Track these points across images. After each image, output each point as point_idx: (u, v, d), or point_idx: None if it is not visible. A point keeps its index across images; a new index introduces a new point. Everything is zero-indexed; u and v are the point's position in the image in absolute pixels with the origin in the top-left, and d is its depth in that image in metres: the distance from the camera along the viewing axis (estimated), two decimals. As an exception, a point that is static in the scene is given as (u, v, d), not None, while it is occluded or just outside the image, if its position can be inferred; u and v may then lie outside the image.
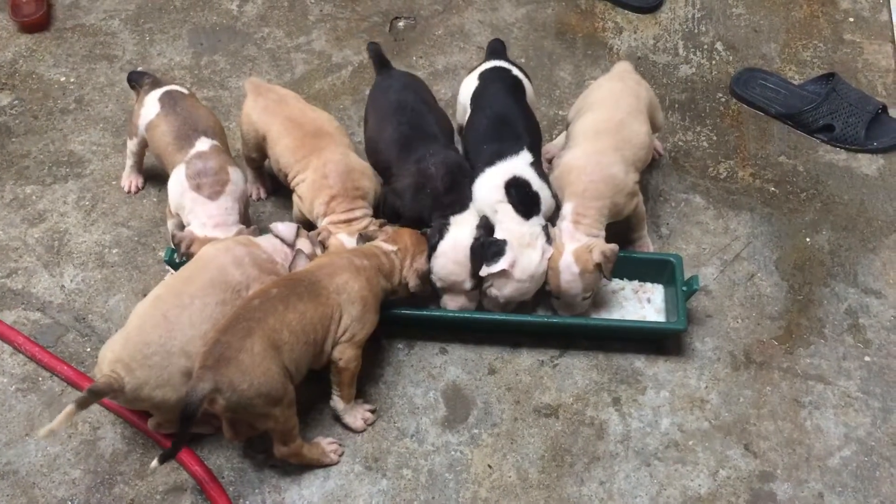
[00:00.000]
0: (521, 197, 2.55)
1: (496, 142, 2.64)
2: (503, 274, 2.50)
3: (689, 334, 2.69)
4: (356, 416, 2.46)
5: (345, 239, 2.56)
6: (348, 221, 2.60)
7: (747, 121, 3.31)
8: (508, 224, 2.53)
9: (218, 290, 2.32)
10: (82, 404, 2.13)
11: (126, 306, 2.71)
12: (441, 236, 2.55)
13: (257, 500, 2.35)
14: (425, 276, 2.54)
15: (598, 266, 2.49)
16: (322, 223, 2.62)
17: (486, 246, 2.50)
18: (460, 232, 2.56)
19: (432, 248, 2.56)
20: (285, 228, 2.54)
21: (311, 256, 2.54)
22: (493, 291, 2.56)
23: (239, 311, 2.23)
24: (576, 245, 2.52)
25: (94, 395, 2.17)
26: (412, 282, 2.50)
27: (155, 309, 2.26)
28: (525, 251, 2.51)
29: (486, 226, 2.56)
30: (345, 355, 2.35)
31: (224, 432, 2.33)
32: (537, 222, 2.55)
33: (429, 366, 2.62)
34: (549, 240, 2.56)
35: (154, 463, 2.16)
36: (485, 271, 2.50)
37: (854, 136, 3.19)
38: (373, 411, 2.49)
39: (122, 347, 2.21)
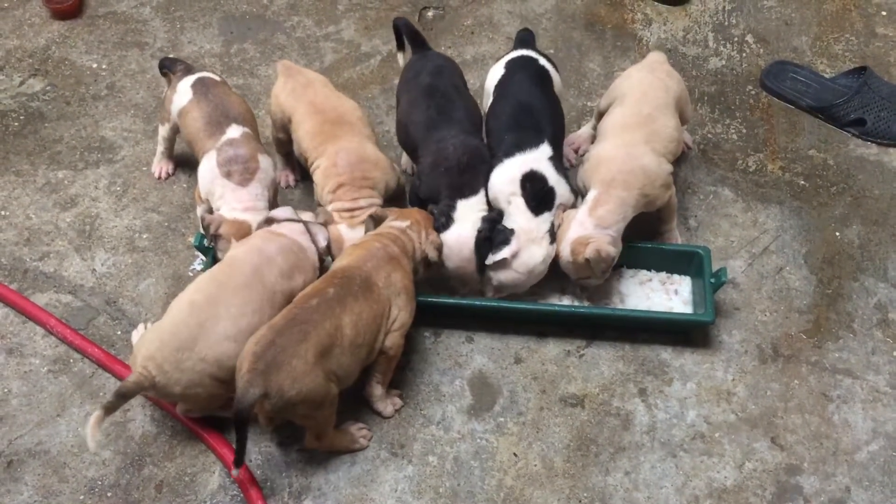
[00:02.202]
0: (535, 192, 2.55)
1: (517, 132, 2.63)
2: (503, 262, 2.52)
3: (717, 327, 2.68)
4: (387, 402, 2.47)
5: (344, 230, 2.58)
6: (351, 211, 2.61)
7: (777, 114, 3.29)
8: (518, 218, 2.54)
9: (254, 295, 2.31)
10: (109, 408, 2.15)
11: (156, 291, 2.74)
12: (446, 225, 2.57)
13: (284, 484, 2.37)
14: (441, 249, 2.55)
15: (587, 261, 2.50)
16: (329, 208, 2.64)
17: (495, 233, 2.52)
18: (464, 226, 2.56)
19: (437, 231, 2.57)
20: (282, 211, 2.57)
21: (328, 221, 2.58)
22: (490, 274, 2.59)
23: (295, 311, 2.21)
24: (579, 234, 2.53)
25: (121, 398, 2.17)
26: (431, 252, 2.50)
27: (190, 316, 2.25)
28: (529, 246, 2.52)
29: (492, 220, 2.56)
30: (394, 343, 2.37)
31: (258, 420, 2.35)
32: (547, 219, 2.56)
33: (455, 354, 2.63)
34: (553, 239, 2.56)
35: (234, 472, 2.19)
36: (490, 260, 2.53)
37: (885, 131, 3.16)
38: (400, 397, 2.51)
39: (157, 349, 2.21)
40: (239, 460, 2.16)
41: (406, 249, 2.45)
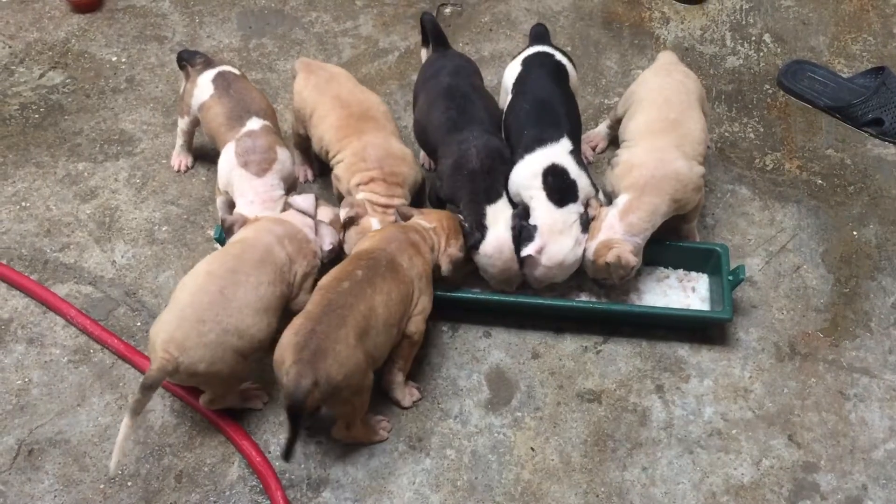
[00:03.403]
0: (557, 185, 2.55)
1: (536, 127, 2.64)
2: (531, 258, 2.53)
3: (734, 324, 2.69)
4: (405, 392, 2.49)
5: (375, 224, 2.58)
6: (385, 208, 2.61)
7: (795, 113, 3.29)
8: (541, 211, 2.54)
9: (268, 269, 2.34)
10: (137, 409, 2.16)
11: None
12: (482, 235, 2.56)
13: (302, 475, 2.38)
14: (458, 263, 2.55)
15: (608, 265, 2.51)
16: (360, 196, 2.63)
17: (521, 230, 2.53)
18: (498, 229, 2.56)
19: (473, 247, 2.57)
20: (304, 201, 2.57)
21: (335, 222, 2.57)
22: (524, 270, 2.60)
23: (329, 296, 2.23)
24: (606, 237, 2.53)
25: (148, 390, 2.17)
26: (444, 266, 2.51)
27: (210, 285, 2.26)
28: (556, 238, 2.52)
29: (520, 214, 2.57)
30: (418, 328, 2.40)
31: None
32: (573, 210, 2.56)
33: (472, 349, 2.64)
34: (585, 229, 2.57)
35: (288, 459, 2.23)
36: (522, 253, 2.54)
37: (903, 131, 3.17)
38: (419, 389, 2.52)
39: (177, 327, 2.21)
40: (288, 453, 2.20)
41: (426, 242, 2.47)
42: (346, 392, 2.19)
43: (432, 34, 2.98)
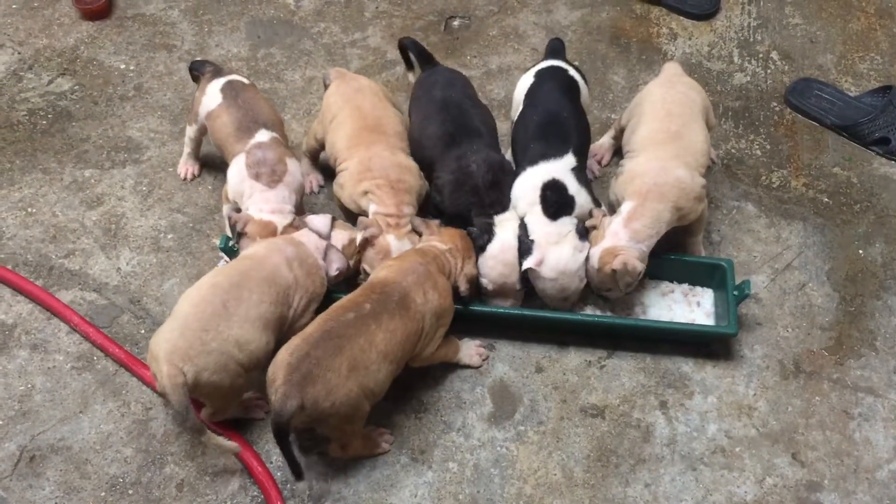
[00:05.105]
0: (554, 200, 2.56)
1: (543, 141, 2.65)
2: (534, 272, 2.53)
3: (739, 341, 2.68)
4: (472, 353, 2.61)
5: (393, 242, 2.58)
6: (398, 218, 2.62)
7: (801, 131, 3.29)
8: (534, 224, 2.55)
9: (273, 289, 2.32)
10: (201, 429, 2.19)
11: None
12: (489, 238, 2.57)
13: (304, 487, 2.37)
14: (473, 282, 2.56)
15: (614, 272, 2.50)
16: (371, 210, 2.63)
17: (521, 243, 2.54)
18: (505, 233, 2.57)
19: (480, 249, 2.57)
20: (320, 221, 2.56)
21: (346, 247, 2.56)
22: (538, 290, 2.60)
23: (331, 323, 2.23)
24: (611, 244, 2.53)
25: (186, 412, 2.15)
26: (462, 286, 2.51)
27: (214, 296, 2.26)
28: (553, 249, 2.52)
29: (525, 226, 2.58)
30: (423, 361, 2.44)
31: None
32: (567, 222, 2.56)
33: (476, 361, 2.64)
34: (583, 237, 2.57)
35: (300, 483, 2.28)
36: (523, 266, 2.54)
37: (910, 150, 3.16)
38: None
39: (180, 336, 2.20)
40: (296, 471, 2.23)
41: (444, 268, 2.47)
42: (335, 419, 2.19)
43: (417, 55, 3.02)
